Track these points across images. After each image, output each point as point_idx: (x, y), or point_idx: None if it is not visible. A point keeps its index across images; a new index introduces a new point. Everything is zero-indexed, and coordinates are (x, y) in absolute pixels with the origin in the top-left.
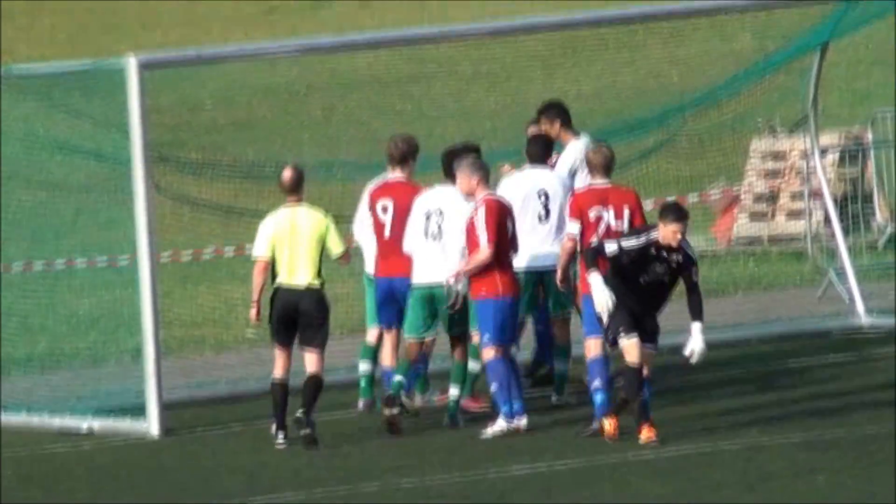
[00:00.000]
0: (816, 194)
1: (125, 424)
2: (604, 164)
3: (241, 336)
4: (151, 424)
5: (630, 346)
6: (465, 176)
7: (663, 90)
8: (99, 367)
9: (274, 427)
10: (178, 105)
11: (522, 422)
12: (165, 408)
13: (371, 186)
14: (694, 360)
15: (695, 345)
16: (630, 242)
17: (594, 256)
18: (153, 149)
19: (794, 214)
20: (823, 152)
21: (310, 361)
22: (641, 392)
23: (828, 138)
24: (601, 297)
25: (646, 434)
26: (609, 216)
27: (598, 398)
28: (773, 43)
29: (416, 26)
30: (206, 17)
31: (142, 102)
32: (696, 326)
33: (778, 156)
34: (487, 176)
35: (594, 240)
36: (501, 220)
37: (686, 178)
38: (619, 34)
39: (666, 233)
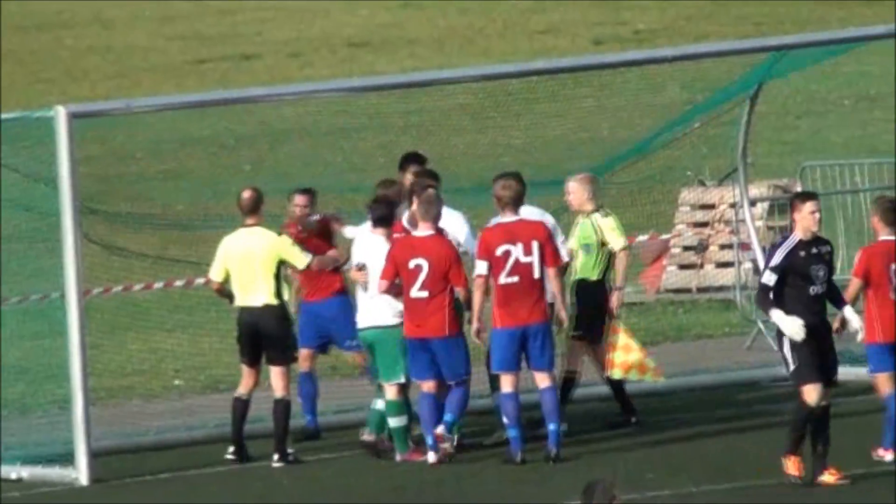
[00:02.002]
0: (745, 245)
1: (54, 473)
2: (513, 199)
3: (169, 385)
4: (80, 473)
5: (811, 391)
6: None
7: (593, 142)
8: (28, 416)
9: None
10: (108, 155)
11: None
12: (94, 456)
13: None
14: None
15: (857, 323)
16: (778, 259)
17: (766, 295)
18: (83, 200)
19: (723, 264)
20: (752, 203)
21: (275, 380)
22: (823, 433)
23: (757, 189)
24: (790, 325)
25: (827, 478)
26: (518, 251)
27: (511, 433)
28: (701, 95)
29: (344, 78)
30: (135, 69)
31: (71, 152)
32: (849, 308)
33: (707, 206)
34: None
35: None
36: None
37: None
38: (549, 85)
39: (805, 220)
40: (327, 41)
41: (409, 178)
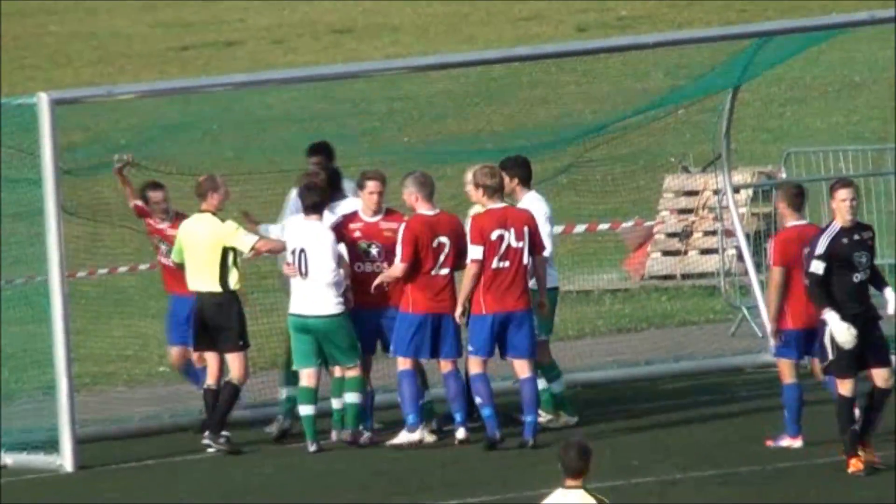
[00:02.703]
0: (729, 231)
1: (38, 459)
2: (498, 186)
3: (154, 371)
4: (65, 459)
5: (845, 384)
6: (408, 192)
7: (576, 128)
8: (12, 403)
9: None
10: (92, 142)
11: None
12: (79, 443)
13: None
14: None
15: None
16: (822, 247)
17: (820, 288)
18: (66, 188)
19: (707, 251)
20: (736, 190)
21: (231, 366)
22: (851, 424)
23: (740, 176)
24: (843, 334)
25: (854, 465)
26: (510, 236)
27: (486, 412)
28: (685, 82)
29: (328, 65)
30: (119, 55)
31: (53, 139)
32: (889, 290)
33: (691, 193)
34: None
35: (806, 278)
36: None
37: (600, 212)
38: (532, 72)
39: (839, 208)
40: (310, 27)
41: (311, 167)
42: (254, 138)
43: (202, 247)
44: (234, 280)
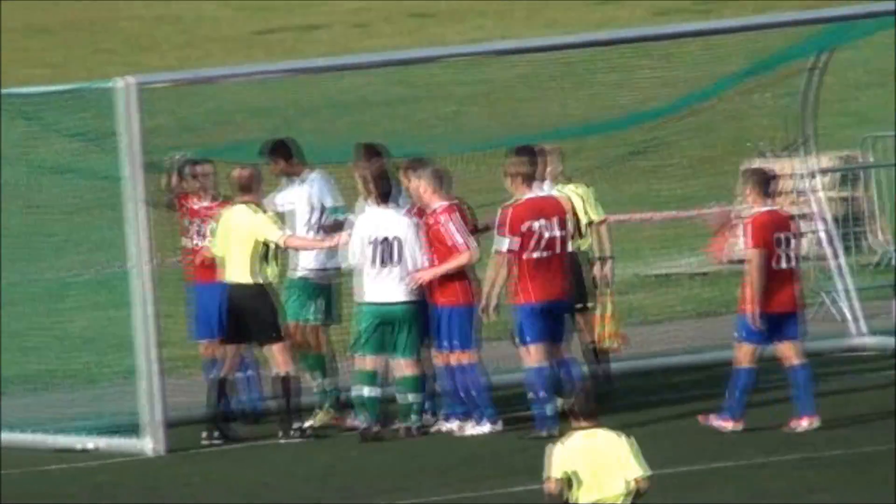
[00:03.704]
0: (811, 216)
1: (123, 443)
2: (535, 175)
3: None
4: (149, 443)
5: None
6: (424, 185)
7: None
8: (96, 386)
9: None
10: (174, 126)
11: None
12: (164, 426)
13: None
14: None
15: None
16: None
17: None
18: (147, 168)
19: None
20: (818, 174)
21: (275, 359)
22: None
23: (822, 160)
24: None
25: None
26: (547, 225)
27: (548, 410)
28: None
29: (408, 49)
30: (203, 39)
31: (140, 122)
32: None
33: None
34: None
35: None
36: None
37: (679, 197)
38: (609, 57)
39: None
40: (392, 11)
41: (279, 167)
42: (330, 123)
43: (236, 238)
44: (271, 273)
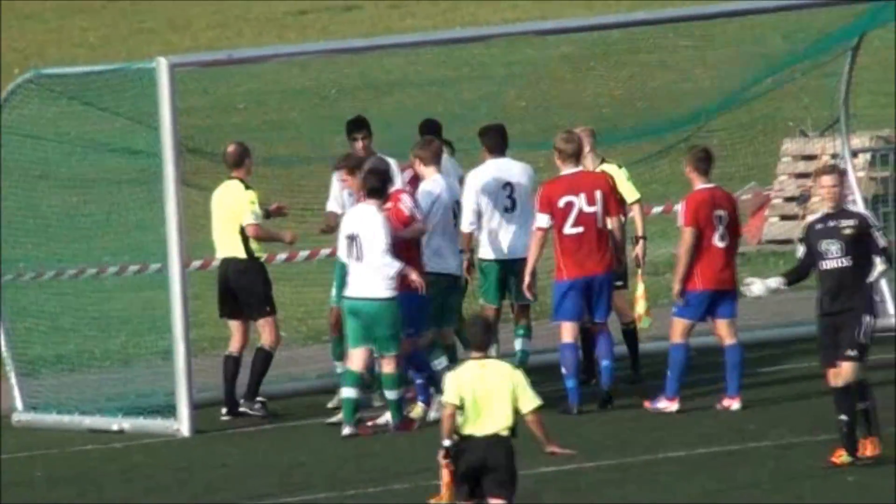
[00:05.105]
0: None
1: (156, 424)
2: (574, 152)
3: None
4: (182, 424)
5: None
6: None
7: (694, 93)
8: (129, 368)
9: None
10: (210, 107)
11: None
12: (196, 407)
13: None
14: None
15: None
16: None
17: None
18: (182, 144)
19: None
20: (854, 154)
21: (261, 332)
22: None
23: (859, 140)
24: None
25: (864, 449)
26: (580, 202)
27: (569, 384)
28: (803, 46)
29: (447, 28)
30: (237, 20)
31: (172, 103)
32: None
33: (809, 157)
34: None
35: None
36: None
37: (717, 177)
38: (650, 36)
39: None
40: None
41: (359, 144)
42: (371, 103)
43: (224, 214)
44: (255, 247)
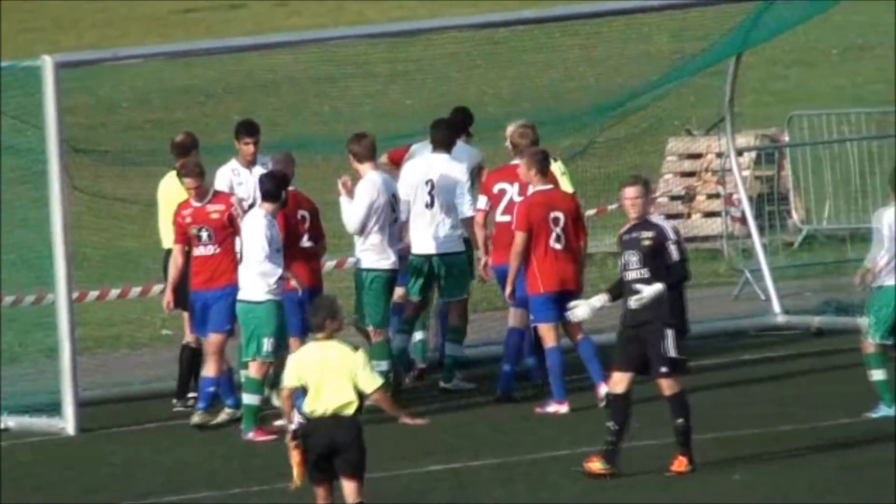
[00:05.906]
0: (732, 194)
1: (41, 422)
2: (534, 144)
3: (157, 335)
4: (67, 422)
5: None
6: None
7: (581, 91)
8: (14, 366)
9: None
10: (95, 105)
11: None
12: (81, 406)
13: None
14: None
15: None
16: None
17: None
18: (68, 144)
19: (709, 214)
20: (739, 153)
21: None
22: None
23: (744, 139)
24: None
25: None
26: (513, 191)
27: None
28: (689, 45)
29: (332, 27)
30: (122, 19)
31: (57, 101)
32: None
33: (694, 156)
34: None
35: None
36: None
37: (603, 176)
38: (537, 35)
39: (624, 206)
40: None
41: (249, 148)
42: (257, 101)
43: (174, 205)
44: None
